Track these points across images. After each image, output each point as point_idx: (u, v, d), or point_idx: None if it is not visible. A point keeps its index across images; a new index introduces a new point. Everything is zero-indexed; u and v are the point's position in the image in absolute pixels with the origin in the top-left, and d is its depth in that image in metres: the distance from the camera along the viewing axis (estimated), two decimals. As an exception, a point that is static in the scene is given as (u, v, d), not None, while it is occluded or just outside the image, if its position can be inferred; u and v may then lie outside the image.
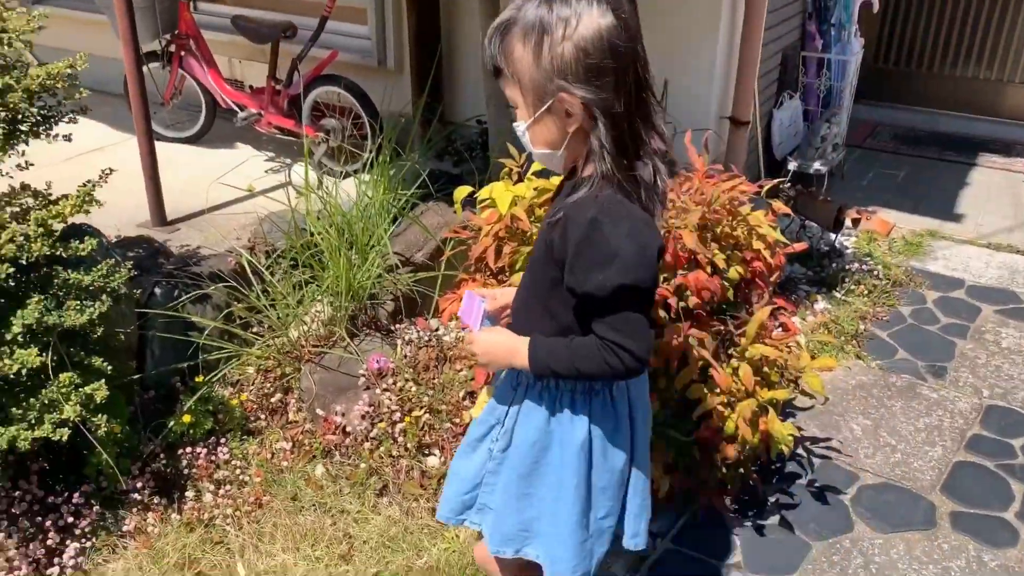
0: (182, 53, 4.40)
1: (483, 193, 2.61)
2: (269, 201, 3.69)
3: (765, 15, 3.59)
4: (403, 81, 4.43)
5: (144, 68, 3.65)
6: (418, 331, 3.15)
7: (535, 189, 2.43)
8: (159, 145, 3.72)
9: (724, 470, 2.40)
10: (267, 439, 2.76)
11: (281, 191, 3.85)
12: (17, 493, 2.36)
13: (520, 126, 1.42)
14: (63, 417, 2.16)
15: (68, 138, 2.53)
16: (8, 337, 2.14)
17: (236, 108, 4.38)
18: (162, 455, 2.57)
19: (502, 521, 1.65)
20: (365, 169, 4.09)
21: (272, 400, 2.86)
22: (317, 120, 4.27)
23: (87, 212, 2.42)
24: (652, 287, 1.39)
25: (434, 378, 2.88)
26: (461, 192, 2.62)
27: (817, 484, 2.65)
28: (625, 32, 1.30)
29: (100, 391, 2.21)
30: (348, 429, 2.73)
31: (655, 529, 2.47)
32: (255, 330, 3.08)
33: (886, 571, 2.35)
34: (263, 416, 2.83)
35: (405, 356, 2.97)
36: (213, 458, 2.61)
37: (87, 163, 3.45)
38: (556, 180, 2.43)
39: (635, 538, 1.67)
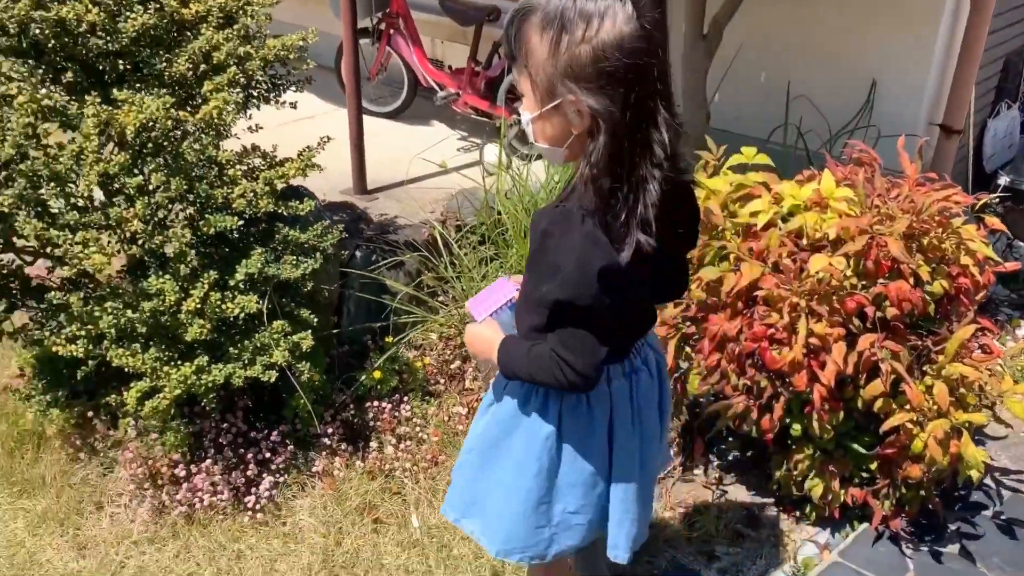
0: (391, 31, 4.63)
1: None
2: (461, 178, 3.84)
3: (991, 17, 3.36)
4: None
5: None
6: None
7: (731, 184, 2.41)
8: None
9: (904, 490, 2.31)
10: (445, 402, 2.90)
11: (473, 169, 4.01)
12: (224, 425, 2.61)
13: (525, 116, 1.36)
14: (272, 360, 2.37)
15: (294, 106, 2.74)
16: (231, 284, 2.36)
17: (436, 87, 4.57)
18: (351, 406, 2.76)
19: (455, 487, 1.74)
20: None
21: (451, 367, 3.01)
22: (511, 103, 4.39)
23: (305, 176, 2.63)
24: (595, 304, 1.34)
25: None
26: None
27: (1004, 517, 2.50)
28: (648, 42, 1.23)
29: (306, 340, 2.40)
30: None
31: (824, 540, 2.41)
32: (441, 299, 3.23)
33: (1078, 620, 2.19)
34: (442, 380, 2.97)
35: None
36: (396, 414, 2.78)
37: (299, 130, 3.69)
38: (754, 176, 2.42)
39: (614, 549, 1.66)
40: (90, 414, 2.67)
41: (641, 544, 1.71)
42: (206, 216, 2.31)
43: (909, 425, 2.13)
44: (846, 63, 3.74)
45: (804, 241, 2.21)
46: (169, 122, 2.24)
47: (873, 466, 2.33)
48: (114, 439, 2.68)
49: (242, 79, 2.56)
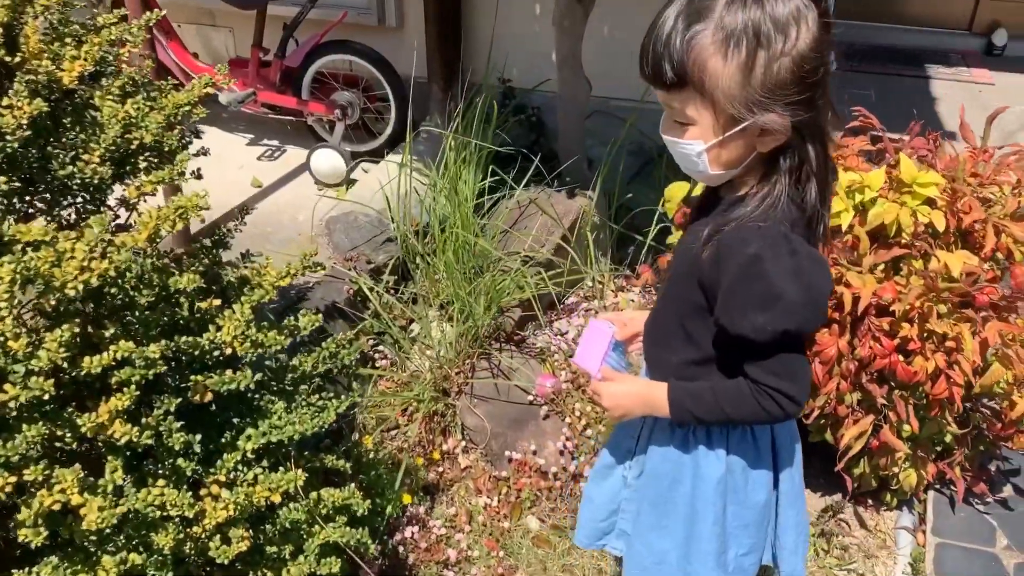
0: (133, 24, 3.61)
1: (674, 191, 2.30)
2: (316, 202, 3.15)
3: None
4: (407, 40, 3.87)
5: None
6: (550, 334, 2.82)
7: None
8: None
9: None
10: (455, 495, 2.37)
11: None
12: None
13: (695, 147, 1.19)
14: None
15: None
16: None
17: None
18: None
19: (636, 551, 1.54)
20: (391, 149, 3.60)
21: (440, 445, 2.46)
22: (317, 95, 3.67)
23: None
24: (815, 328, 1.27)
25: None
26: (678, 191, 2.28)
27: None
28: (829, 35, 1.14)
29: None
30: (545, 469, 2.39)
31: (910, 523, 2.35)
32: (380, 364, 2.63)
33: None
34: (440, 467, 2.42)
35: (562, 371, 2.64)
36: (428, 535, 2.20)
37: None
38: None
39: (792, 574, 1.55)
40: None
41: None
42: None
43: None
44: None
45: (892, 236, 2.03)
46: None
47: (948, 439, 2.30)
48: None
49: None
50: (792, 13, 1.09)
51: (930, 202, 1.99)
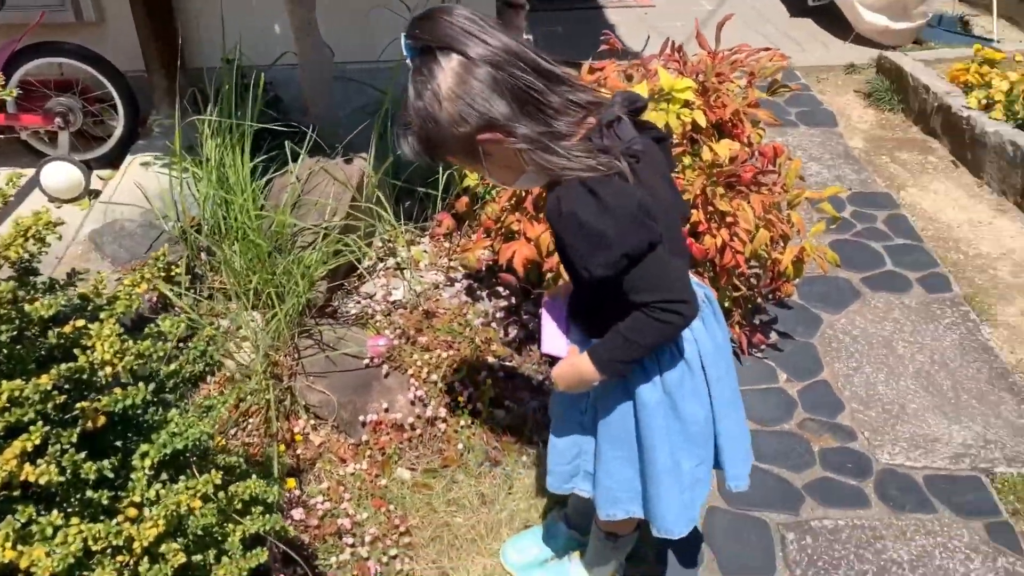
0: None
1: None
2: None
3: None
4: (110, 33, 3.59)
5: None
6: (359, 298, 2.87)
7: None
8: None
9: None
10: (322, 471, 2.38)
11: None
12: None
13: (495, 182, 1.53)
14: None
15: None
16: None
17: None
18: None
19: (604, 486, 1.68)
20: (125, 150, 3.37)
21: (291, 429, 2.44)
22: (32, 105, 3.31)
23: None
24: (654, 238, 1.36)
25: (437, 337, 2.69)
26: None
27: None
28: (483, 51, 1.29)
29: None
30: (401, 422, 2.47)
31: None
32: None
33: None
34: (290, 451, 2.41)
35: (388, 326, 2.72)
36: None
37: None
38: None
39: (736, 480, 1.71)
40: None
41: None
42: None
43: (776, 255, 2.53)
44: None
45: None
46: None
47: (728, 303, 2.70)
48: None
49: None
50: (428, 77, 1.31)
51: (687, 104, 2.32)
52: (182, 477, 1.64)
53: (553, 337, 1.61)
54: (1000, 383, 2.77)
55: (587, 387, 1.56)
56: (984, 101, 4.14)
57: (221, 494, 1.69)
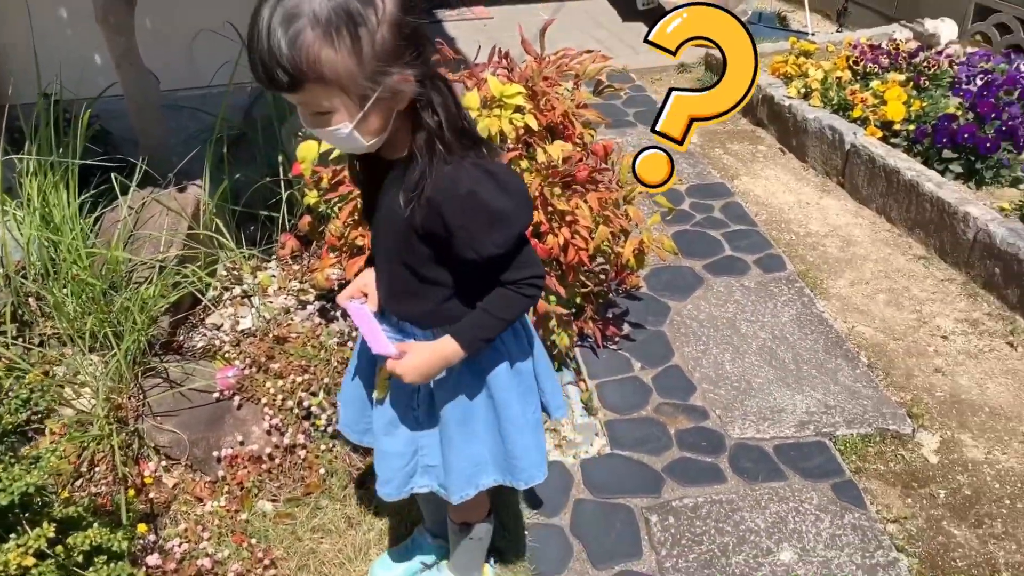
0: None
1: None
2: None
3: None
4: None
5: None
6: (204, 330, 2.78)
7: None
8: None
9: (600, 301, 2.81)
10: (177, 513, 2.27)
11: None
12: None
13: (344, 129, 1.29)
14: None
15: None
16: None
17: None
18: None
19: (455, 468, 1.67)
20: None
21: (141, 473, 2.33)
22: None
23: None
24: (531, 217, 1.47)
25: (291, 362, 2.63)
26: (309, 151, 2.37)
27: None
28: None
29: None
30: (258, 454, 2.40)
31: (567, 378, 2.81)
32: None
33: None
34: (141, 496, 2.29)
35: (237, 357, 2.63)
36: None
37: None
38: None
39: (559, 410, 1.78)
40: None
41: None
42: None
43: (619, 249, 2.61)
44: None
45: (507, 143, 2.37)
46: None
47: (578, 300, 2.77)
48: None
49: None
50: None
51: (519, 109, 2.36)
52: (12, 535, 1.54)
53: (379, 337, 1.54)
54: (835, 351, 2.95)
55: (440, 372, 1.54)
56: (803, 90, 4.42)
57: (59, 547, 1.60)
